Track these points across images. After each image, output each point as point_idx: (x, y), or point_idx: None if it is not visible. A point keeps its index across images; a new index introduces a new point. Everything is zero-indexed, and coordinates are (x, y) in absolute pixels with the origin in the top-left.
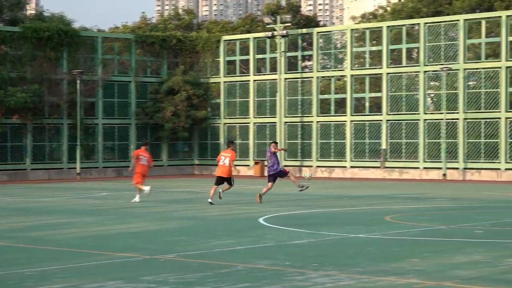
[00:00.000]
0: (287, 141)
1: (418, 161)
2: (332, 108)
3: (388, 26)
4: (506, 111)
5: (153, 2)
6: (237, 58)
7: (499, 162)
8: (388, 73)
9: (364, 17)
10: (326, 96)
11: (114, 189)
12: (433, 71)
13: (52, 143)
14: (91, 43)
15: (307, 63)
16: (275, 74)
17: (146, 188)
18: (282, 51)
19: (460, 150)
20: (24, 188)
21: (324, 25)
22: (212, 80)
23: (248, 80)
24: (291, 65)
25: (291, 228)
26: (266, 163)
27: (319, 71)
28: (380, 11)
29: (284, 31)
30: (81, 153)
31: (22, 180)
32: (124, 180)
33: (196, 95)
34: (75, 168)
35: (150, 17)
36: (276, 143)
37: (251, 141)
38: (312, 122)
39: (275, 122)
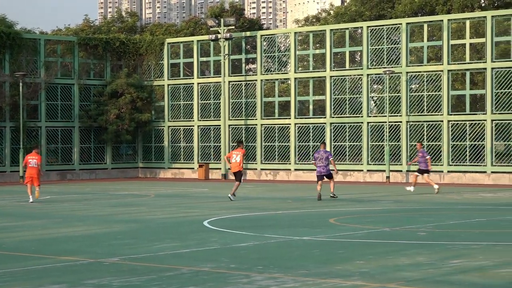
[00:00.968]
0: (232, 144)
1: (361, 164)
2: (276, 111)
3: (331, 30)
4: (448, 114)
5: (96, 5)
6: (181, 60)
7: (441, 165)
8: (331, 76)
9: (308, 21)
10: (270, 99)
11: (57, 193)
12: (376, 74)
13: None
14: (33, 45)
15: (251, 66)
16: (219, 77)
17: (33, 195)
18: (226, 54)
19: (403, 153)
20: None
21: (268, 28)
22: (156, 83)
23: (192, 83)
24: (235, 68)
25: (236, 230)
26: (319, 164)
27: (263, 74)
28: (324, 14)
29: (228, 34)
30: (24, 156)
31: None
32: (68, 183)
33: (140, 98)
34: (18, 171)
35: (93, 19)
36: (324, 143)
37: (195, 144)
38: (256, 125)
39: (219, 125)
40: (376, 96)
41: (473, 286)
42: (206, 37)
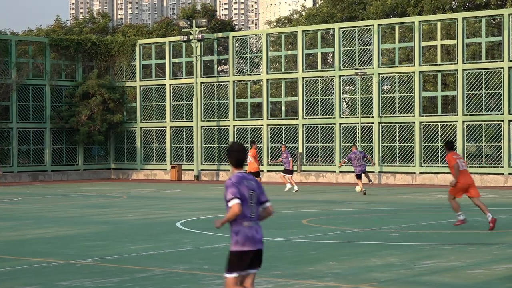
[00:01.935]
0: (204, 145)
1: (334, 165)
2: (249, 112)
3: (303, 31)
4: (420, 115)
5: (68, 5)
6: (153, 62)
7: (413, 166)
8: (303, 78)
9: (280, 22)
10: (242, 100)
11: (29, 194)
12: (348, 75)
13: None
14: (4, 46)
15: (223, 67)
16: (191, 78)
17: None
18: (198, 55)
19: (375, 154)
20: None
21: (240, 30)
22: (127, 84)
23: (164, 84)
24: (207, 69)
25: (209, 232)
26: (358, 163)
27: (235, 75)
28: (295, 15)
29: (200, 35)
30: None
31: None
32: (40, 184)
33: (111, 99)
34: None
35: (65, 20)
36: (356, 145)
37: (167, 145)
38: (228, 126)
39: (191, 126)
40: (348, 98)
41: (445, 287)
42: (178, 38)
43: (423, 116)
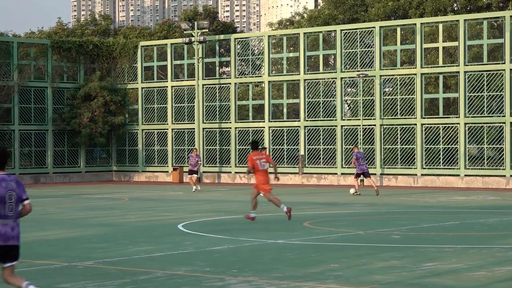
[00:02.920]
0: (206, 147)
1: (336, 167)
2: (250, 114)
3: (305, 33)
4: (422, 118)
5: (70, 7)
6: (155, 64)
7: (415, 168)
8: (305, 80)
9: (281, 24)
10: (244, 102)
11: (31, 196)
12: (350, 77)
13: None
14: (6, 48)
15: (225, 69)
16: (193, 80)
17: None
18: (200, 57)
19: (377, 156)
20: None
21: (242, 31)
22: (129, 86)
23: (166, 86)
24: (209, 71)
25: (210, 234)
26: (363, 162)
27: (237, 77)
28: (297, 17)
29: (202, 37)
30: None
31: None
32: (42, 187)
33: (113, 101)
34: None
35: (67, 22)
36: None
37: (169, 147)
38: (230, 128)
39: (193, 128)
40: (350, 100)
41: None
42: (179, 40)
43: (424, 118)
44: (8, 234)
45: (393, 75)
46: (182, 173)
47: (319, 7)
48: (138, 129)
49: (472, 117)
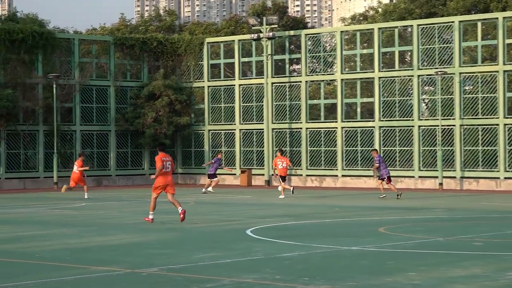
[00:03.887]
0: (275, 148)
1: (412, 170)
2: (322, 114)
3: (379, 28)
4: (505, 117)
5: (133, 3)
6: (222, 61)
7: (497, 171)
8: (380, 77)
9: (354, 19)
10: (315, 102)
11: (93, 199)
12: (427, 75)
13: (27, 151)
14: (67, 45)
15: (295, 66)
16: (262, 78)
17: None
18: (269, 54)
19: (456, 158)
20: None
21: (313, 27)
22: (195, 85)
23: (233, 85)
24: (278, 69)
25: (280, 240)
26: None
27: (308, 75)
28: (371, 12)
29: (271, 33)
30: (58, 162)
31: None
32: (104, 189)
33: (178, 101)
34: (51, 177)
35: (130, 18)
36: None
37: (237, 149)
38: (301, 128)
39: (262, 129)
40: (427, 98)
41: None
42: (247, 36)
43: (507, 118)
44: None
45: (473, 72)
46: (251, 176)
47: (394, 1)
48: (204, 130)
49: None
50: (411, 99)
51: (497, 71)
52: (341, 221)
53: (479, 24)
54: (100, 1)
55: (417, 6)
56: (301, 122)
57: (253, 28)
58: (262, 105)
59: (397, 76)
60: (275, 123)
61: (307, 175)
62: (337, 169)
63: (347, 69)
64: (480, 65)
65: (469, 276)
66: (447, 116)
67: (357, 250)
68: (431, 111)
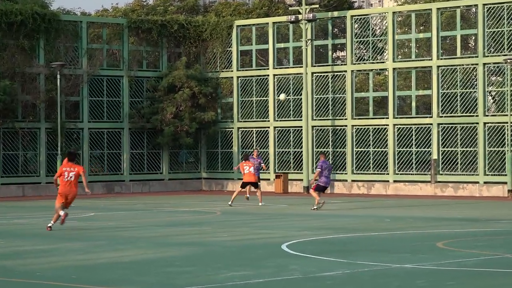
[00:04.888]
0: (316, 150)
1: (477, 174)
2: (371, 109)
3: (438, 8)
4: None
5: None
6: (253, 47)
7: None
8: (438, 66)
9: None
10: (363, 94)
11: (103, 209)
12: (495, 63)
13: (26, 152)
14: (73, 29)
15: (340, 53)
16: (300, 67)
17: None
18: (308, 39)
19: None
20: None
21: (360, 7)
22: (222, 75)
23: (267, 75)
24: (320, 56)
25: (321, 256)
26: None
27: (354, 64)
28: None
29: (311, 15)
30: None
31: None
32: (116, 197)
33: (202, 93)
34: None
35: None
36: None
37: (271, 150)
38: (346, 126)
39: (300, 126)
40: (494, 91)
41: None
42: (284, 18)
43: None
44: None
45: None
46: (287, 181)
47: None
48: (233, 127)
49: None
50: (475, 91)
51: None
52: (392, 234)
53: None
54: None
55: None
56: (346, 119)
57: (290, 9)
58: (301, 98)
59: (459, 65)
60: (315, 119)
61: (353, 181)
62: (388, 174)
63: (400, 57)
64: None
65: None
66: None
67: (411, 268)
68: (498, 106)
